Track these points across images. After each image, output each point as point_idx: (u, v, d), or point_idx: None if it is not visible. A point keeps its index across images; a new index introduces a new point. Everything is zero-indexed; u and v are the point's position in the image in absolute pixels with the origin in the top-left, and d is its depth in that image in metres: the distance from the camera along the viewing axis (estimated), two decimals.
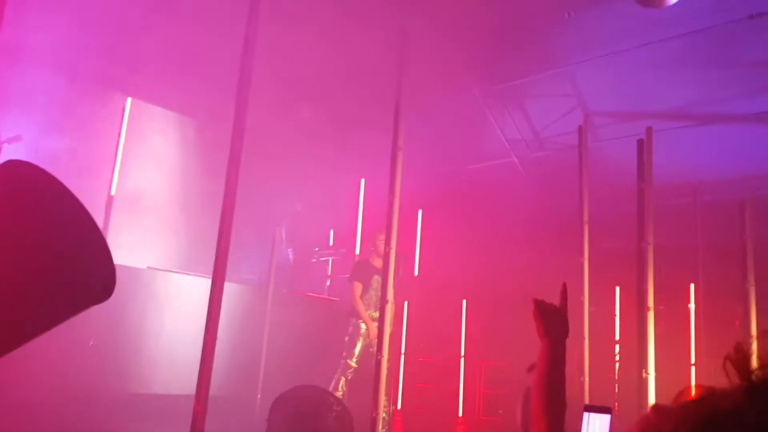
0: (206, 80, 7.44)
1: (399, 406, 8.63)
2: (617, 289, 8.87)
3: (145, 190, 8.20)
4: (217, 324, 3.96)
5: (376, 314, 6.01)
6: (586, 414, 2.27)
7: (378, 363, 4.65)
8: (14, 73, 6.74)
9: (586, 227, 6.30)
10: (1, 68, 4.68)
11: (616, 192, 7.81)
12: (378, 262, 6.33)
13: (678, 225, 7.53)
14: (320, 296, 8.80)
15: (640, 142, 5.46)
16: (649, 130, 5.46)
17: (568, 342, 1.93)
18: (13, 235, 1.57)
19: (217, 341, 4.04)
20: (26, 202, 1.60)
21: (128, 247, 7.52)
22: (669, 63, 7.11)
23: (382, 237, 5.61)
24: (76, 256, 1.65)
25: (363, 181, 9.13)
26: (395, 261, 5.43)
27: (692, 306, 8.06)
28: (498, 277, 9.03)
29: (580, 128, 6.52)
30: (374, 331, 6.24)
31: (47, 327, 1.71)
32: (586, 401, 6.08)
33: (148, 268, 7.16)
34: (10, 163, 1.64)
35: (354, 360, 6.25)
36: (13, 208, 1.59)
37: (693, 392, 1.06)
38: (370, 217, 8.97)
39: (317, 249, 9.32)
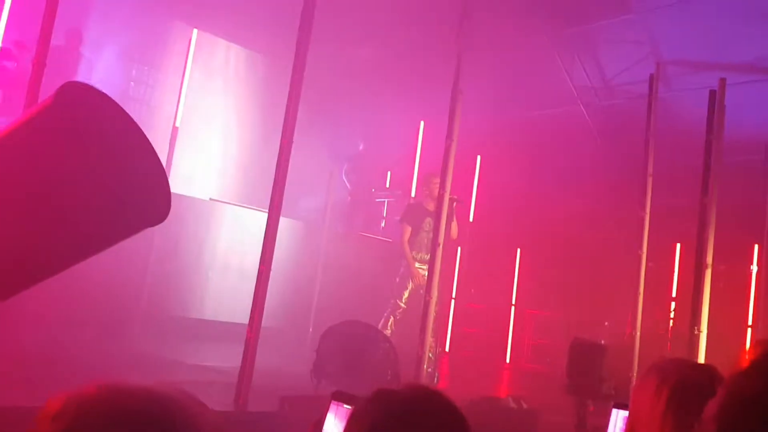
0: (271, 15, 7.43)
1: (447, 349, 8.75)
2: (678, 246, 8.66)
3: (209, 123, 8.35)
4: (272, 253, 4.06)
5: (427, 256, 6.03)
6: (614, 410, 2.29)
7: (426, 304, 4.71)
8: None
9: (650, 180, 6.11)
10: None
11: (684, 145, 7.53)
12: (431, 205, 6.31)
13: (746, 183, 7.23)
14: (374, 236, 8.90)
15: (712, 93, 5.22)
16: (722, 80, 5.22)
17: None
18: (70, 155, 1.64)
19: (273, 274, 4.16)
20: (85, 124, 1.66)
21: (191, 178, 7.73)
22: (749, 13, 6.72)
23: (437, 180, 5.55)
24: (131, 178, 1.71)
25: (422, 123, 9.06)
26: (450, 205, 5.43)
27: (754, 267, 7.81)
28: (554, 226, 8.91)
29: (651, 77, 6.27)
30: (419, 275, 6.28)
31: (102, 246, 1.79)
32: (636, 357, 6.03)
33: (210, 199, 7.36)
34: (70, 85, 1.69)
35: (403, 301, 6.33)
36: (72, 129, 1.65)
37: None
38: (428, 160, 8.93)
39: (373, 190, 9.37)
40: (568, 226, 8.73)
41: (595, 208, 8.55)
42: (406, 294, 6.31)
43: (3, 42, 6.18)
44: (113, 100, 1.76)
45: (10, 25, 5.99)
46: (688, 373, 1.58)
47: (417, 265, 6.34)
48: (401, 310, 6.31)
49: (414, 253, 6.38)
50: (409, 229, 6.39)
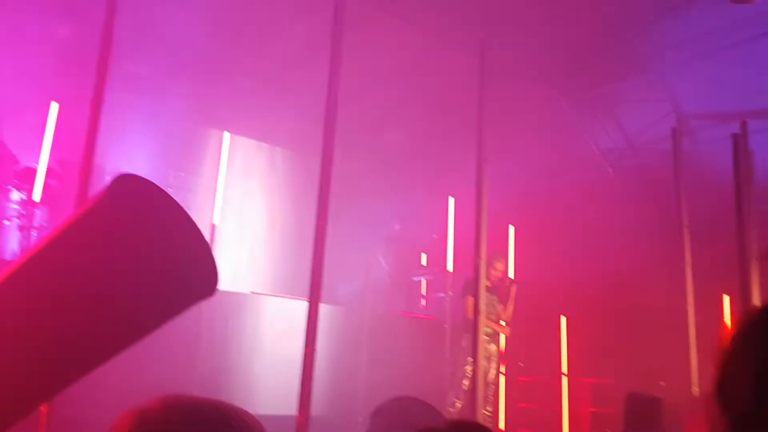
0: (297, 112, 7.77)
1: (503, 427, 8.50)
2: (726, 297, 8.44)
3: (245, 219, 8.60)
4: (315, 338, 4.11)
5: (489, 330, 6.66)
6: None
7: (474, 373, 4.68)
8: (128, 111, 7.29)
9: (686, 232, 6.09)
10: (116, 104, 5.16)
11: (720, 195, 7.51)
12: (489, 283, 6.68)
13: None
14: (417, 315, 8.88)
15: (735, 137, 5.29)
16: (743, 123, 5.29)
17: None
18: (125, 245, 1.75)
19: (317, 362, 4.19)
20: (139, 212, 1.78)
21: (232, 274, 7.89)
22: (763, 61, 6.84)
23: (497, 264, 6.20)
24: (183, 260, 1.82)
25: (452, 199, 9.17)
26: (509, 287, 6.37)
27: None
28: (597, 289, 8.80)
29: (673, 131, 6.36)
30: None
31: (153, 328, 1.88)
32: None
33: (252, 292, 7.48)
34: (122, 177, 1.84)
35: (469, 372, 6.47)
36: (126, 218, 1.77)
37: None
38: (463, 235, 8.99)
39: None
40: (610, 289, 8.60)
41: (636, 268, 8.44)
42: (470, 366, 6.40)
43: (48, 161, 6.57)
44: (161, 188, 1.89)
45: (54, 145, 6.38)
46: None
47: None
48: (468, 381, 6.41)
49: None
50: (472, 300, 6.57)
